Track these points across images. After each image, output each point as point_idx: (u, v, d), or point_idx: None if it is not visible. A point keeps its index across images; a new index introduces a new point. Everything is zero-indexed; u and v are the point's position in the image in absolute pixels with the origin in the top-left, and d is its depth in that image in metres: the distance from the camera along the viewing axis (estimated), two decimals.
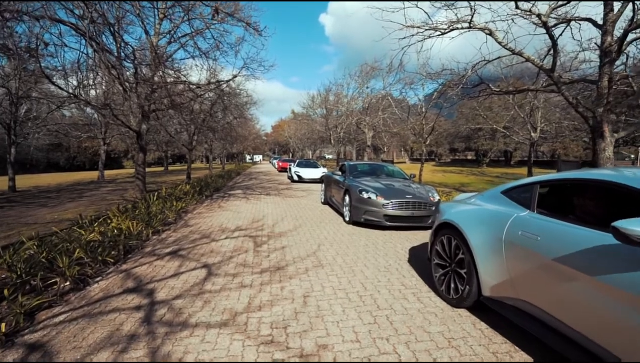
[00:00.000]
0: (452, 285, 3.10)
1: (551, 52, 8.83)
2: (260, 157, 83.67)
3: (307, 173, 18.95)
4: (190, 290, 3.56)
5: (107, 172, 36.53)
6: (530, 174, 23.08)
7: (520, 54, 8.69)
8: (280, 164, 32.27)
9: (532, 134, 22.35)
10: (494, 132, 36.69)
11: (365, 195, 6.44)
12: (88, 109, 22.54)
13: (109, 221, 6.67)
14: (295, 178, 18.98)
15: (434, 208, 6.36)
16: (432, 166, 42.63)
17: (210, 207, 9.68)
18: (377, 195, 6.34)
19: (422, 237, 5.97)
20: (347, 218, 7.06)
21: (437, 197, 6.60)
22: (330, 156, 60.33)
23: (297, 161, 21.68)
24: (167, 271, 4.16)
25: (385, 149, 50.53)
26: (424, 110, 16.72)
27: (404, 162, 57.21)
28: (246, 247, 5.23)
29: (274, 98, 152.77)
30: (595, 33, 7.82)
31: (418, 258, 4.67)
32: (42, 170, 47.07)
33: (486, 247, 2.65)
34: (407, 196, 6.28)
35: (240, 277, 3.95)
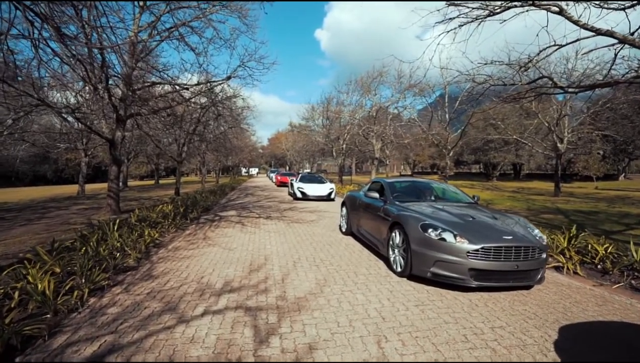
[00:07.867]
0: None
1: None
2: (257, 170, 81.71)
3: (313, 189, 16.44)
4: None
5: (92, 186, 33.79)
6: (557, 189, 20.82)
7: (611, 34, 6.44)
8: (279, 178, 29.56)
9: (559, 145, 20.24)
10: (506, 144, 34.74)
11: (433, 235, 3.94)
12: (69, 117, 20.12)
13: (24, 272, 4.22)
14: (299, 195, 16.45)
15: (544, 256, 3.94)
16: (437, 180, 40.32)
17: (193, 237, 7.19)
18: (455, 236, 3.85)
19: (546, 306, 3.54)
20: (397, 268, 4.52)
21: (543, 237, 4.17)
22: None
23: (300, 175, 19.05)
24: None
25: (387, 162, 48.36)
26: (447, 117, 14.50)
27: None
28: (239, 346, 2.75)
29: (271, 111, 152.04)
30: None
31: None
32: (28, 184, 44.61)
33: None
34: (505, 237, 3.83)
35: None
